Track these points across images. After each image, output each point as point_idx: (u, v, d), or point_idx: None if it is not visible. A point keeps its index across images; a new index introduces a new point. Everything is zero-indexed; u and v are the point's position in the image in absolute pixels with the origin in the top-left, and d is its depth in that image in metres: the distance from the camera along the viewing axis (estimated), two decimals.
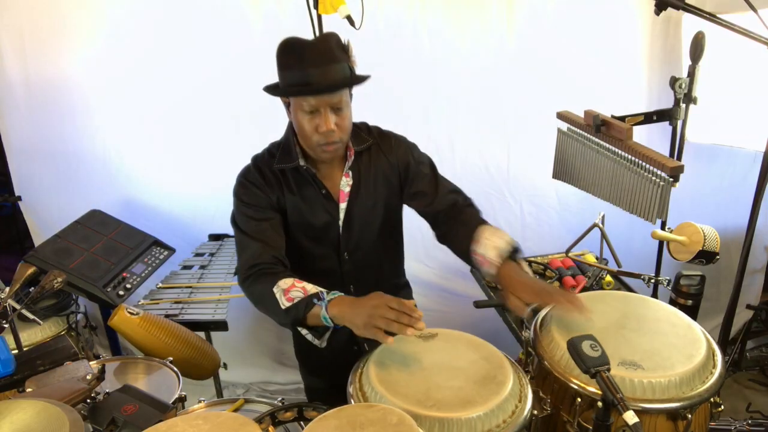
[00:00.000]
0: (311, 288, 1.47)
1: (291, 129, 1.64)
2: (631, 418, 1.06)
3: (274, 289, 1.48)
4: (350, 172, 1.67)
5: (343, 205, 1.67)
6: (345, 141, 1.60)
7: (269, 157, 1.66)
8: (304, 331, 1.51)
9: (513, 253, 1.53)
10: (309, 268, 1.65)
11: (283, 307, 1.46)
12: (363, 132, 1.71)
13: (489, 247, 1.52)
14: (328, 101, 1.49)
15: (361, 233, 1.70)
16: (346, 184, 1.67)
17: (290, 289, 1.47)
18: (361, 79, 1.56)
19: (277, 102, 2.58)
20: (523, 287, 1.45)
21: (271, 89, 1.57)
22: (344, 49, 1.53)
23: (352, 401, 1.31)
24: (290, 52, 1.51)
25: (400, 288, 1.92)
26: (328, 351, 1.57)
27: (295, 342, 1.93)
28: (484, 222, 1.64)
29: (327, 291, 1.46)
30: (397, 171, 1.71)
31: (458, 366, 1.36)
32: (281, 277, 1.51)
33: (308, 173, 1.63)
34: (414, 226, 1.82)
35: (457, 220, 1.67)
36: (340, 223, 1.67)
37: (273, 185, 1.63)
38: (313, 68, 1.46)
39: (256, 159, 1.69)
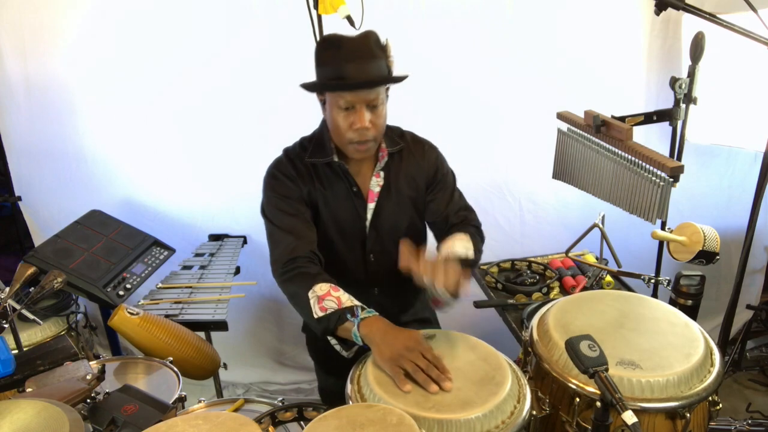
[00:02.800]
0: (346, 300, 1.45)
1: (324, 124, 1.64)
2: (629, 417, 1.06)
3: (309, 294, 1.46)
4: (381, 173, 1.67)
5: (371, 205, 1.66)
6: (378, 140, 1.59)
7: (301, 150, 1.66)
8: (333, 341, 1.49)
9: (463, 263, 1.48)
10: (336, 267, 1.63)
11: (315, 316, 1.44)
12: (396, 135, 1.71)
13: (447, 246, 1.54)
14: (364, 98, 1.49)
15: (387, 235, 1.69)
16: (376, 184, 1.66)
17: (325, 297, 1.45)
18: (399, 79, 1.55)
19: (279, 102, 2.59)
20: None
21: (308, 86, 1.56)
22: (382, 48, 1.53)
23: (350, 402, 1.31)
24: (328, 47, 1.51)
25: (420, 292, 1.87)
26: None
27: (309, 342, 1.91)
28: (471, 235, 1.64)
29: (362, 307, 1.44)
30: (425, 176, 1.71)
31: (456, 367, 1.36)
32: (318, 280, 1.48)
33: (341, 169, 1.62)
34: None
35: (455, 231, 1.67)
36: (367, 223, 1.66)
37: (304, 178, 1.62)
38: (350, 63, 1.46)
39: (288, 151, 1.68)
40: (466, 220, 1.73)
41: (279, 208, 1.60)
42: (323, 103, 1.59)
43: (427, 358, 1.32)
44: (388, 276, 1.70)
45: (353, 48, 1.48)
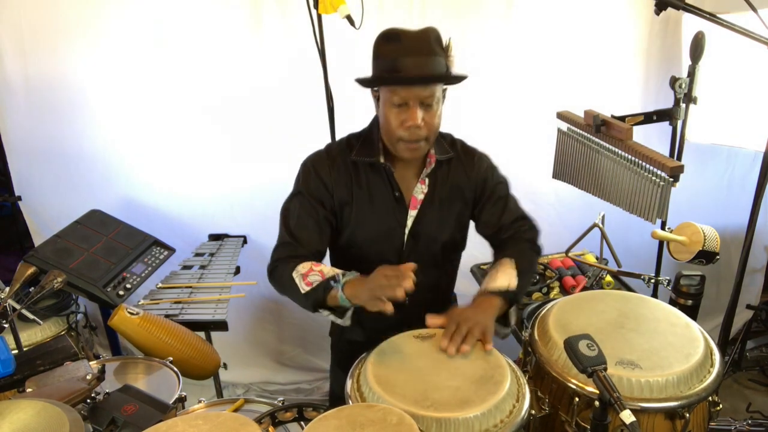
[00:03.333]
0: (329, 270, 1.46)
1: (375, 123, 1.59)
2: (627, 417, 1.06)
3: (293, 275, 1.47)
4: (427, 180, 1.61)
5: (413, 212, 1.61)
6: (431, 141, 1.54)
7: (346, 148, 1.61)
8: (325, 313, 1.48)
9: (504, 294, 1.50)
10: (366, 272, 1.61)
11: (303, 292, 1.46)
12: (446, 143, 1.66)
13: (490, 280, 1.54)
14: (418, 94, 1.44)
15: (425, 245, 1.64)
16: (420, 191, 1.61)
17: (308, 274, 1.46)
18: (456, 79, 1.50)
19: (279, 102, 2.58)
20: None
21: (362, 80, 1.51)
22: (443, 46, 1.49)
23: (350, 402, 1.31)
24: (386, 40, 1.47)
25: (450, 303, 1.84)
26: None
27: (334, 342, 1.88)
28: (519, 256, 1.61)
29: (344, 273, 1.45)
30: (474, 186, 1.66)
31: (456, 366, 1.36)
32: (299, 262, 1.50)
33: (386, 171, 1.57)
34: None
35: (506, 250, 1.64)
36: (407, 230, 1.61)
37: (341, 177, 1.58)
38: (407, 58, 1.42)
39: (330, 148, 1.63)
40: (517, 234, 1.66)
41: (300, 203, 1.59)
42: (377, 99, 1.54)
43: (387, 274, 1.33)
44: (421, 286, 1.65)
45: (412, 42, 1.43)
